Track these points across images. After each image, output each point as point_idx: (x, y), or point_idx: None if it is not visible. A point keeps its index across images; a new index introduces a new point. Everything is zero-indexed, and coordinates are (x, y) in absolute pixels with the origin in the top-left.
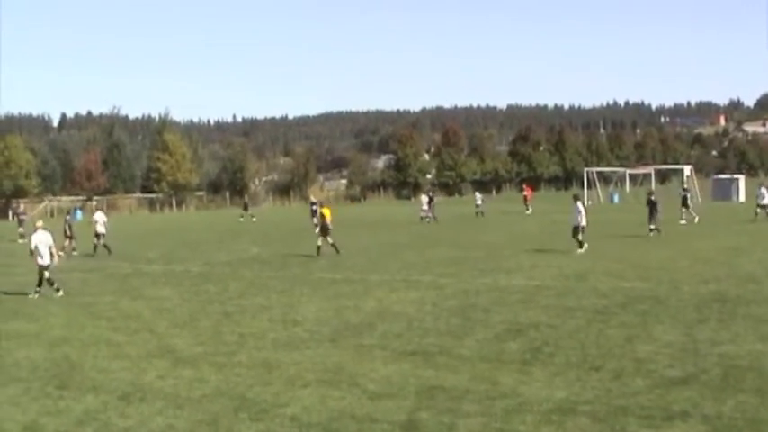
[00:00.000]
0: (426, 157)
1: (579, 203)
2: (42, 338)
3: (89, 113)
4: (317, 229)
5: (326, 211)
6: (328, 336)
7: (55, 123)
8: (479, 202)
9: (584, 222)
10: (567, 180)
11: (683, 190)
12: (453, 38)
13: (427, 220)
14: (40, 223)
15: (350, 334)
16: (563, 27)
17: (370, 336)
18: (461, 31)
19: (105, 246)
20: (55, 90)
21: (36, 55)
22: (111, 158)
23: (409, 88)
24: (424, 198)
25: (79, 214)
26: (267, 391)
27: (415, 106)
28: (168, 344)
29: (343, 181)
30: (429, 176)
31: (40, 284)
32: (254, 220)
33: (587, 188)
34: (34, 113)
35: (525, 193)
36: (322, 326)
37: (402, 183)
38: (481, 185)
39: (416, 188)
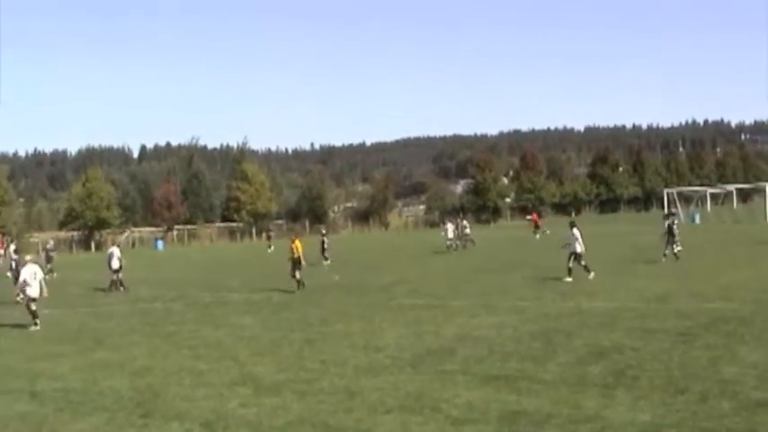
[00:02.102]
0: (505, 180)
1: (575, 230)
2: (126, 368)
3: (168, 144)
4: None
5: (298, 244)
6: (409, 361)
7: (135, 155)
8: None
9: (579, 249)
10: (647, 201)
11: None
12: (529, 61)
13: (454, 247)
14: (29, 257)
15: (431, 359)
16: (640, 47)
17: (451, 361)
18: (537, 54)
19: (120, 282)
20: (134, 122)
21: (115, 88)
22: (190, 188)
23: (486, 112)
24: (450, 225)
25: (160, 244)
26: (349, 417)
27: (492, 130)
28: (250, 372)
29: (422, 206)
30: (508, 200)
31: (35, 316)
32: (270, 250)
33: (668, 208)
34: (115, 145)
35: (532, 218)
36: (403, 352)
37: (481, 207)
38: (560, 208)
39: (495, 212)
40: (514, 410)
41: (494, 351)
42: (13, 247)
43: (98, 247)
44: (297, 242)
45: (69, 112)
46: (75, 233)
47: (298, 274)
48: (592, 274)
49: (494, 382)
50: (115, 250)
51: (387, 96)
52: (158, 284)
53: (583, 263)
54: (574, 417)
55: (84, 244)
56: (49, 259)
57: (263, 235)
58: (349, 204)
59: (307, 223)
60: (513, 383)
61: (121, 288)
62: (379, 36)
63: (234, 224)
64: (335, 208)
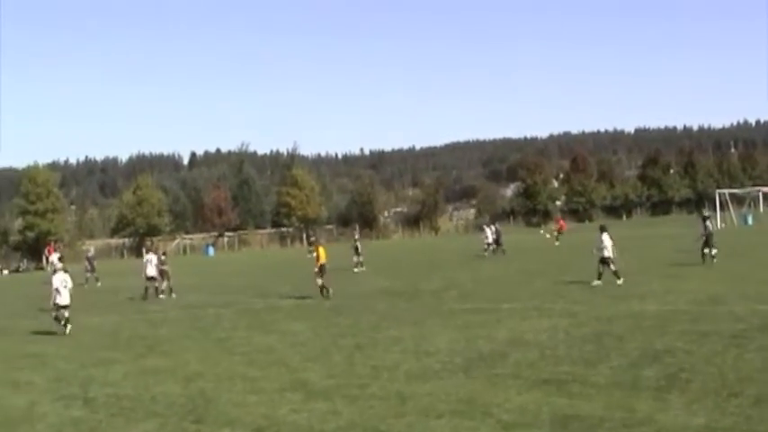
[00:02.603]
0: (555, 183)
1: (605, 234)
2: (178, 374)
3: (218, 151)
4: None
5: (322, 251)
6: (461, 366)
7: (185, 161)
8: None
9: (607, 254)
10: (699, 202)
11: None
12: (578, 63)
13: (487, 252)
14: (59, 265)
15: (482, 364)
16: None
17: (502, 365)
18: (586, 56)
19: (157, 289)
20: (185, 129)
21: (166, 95)
22: (240, 194)
23: (536, 115)
24: (488, 230)
25: (211, 250)
26: (401, 422)
27: (542, 133)
28: (301, 377)
29: (472, 210)
30: (558, 203)
31: (63, 322)
32: (311, 256)
33: (720, 210)
34: (165, 152)
35: (559, 224)
36: (454, 356)
37: (531, 210)
38: (611, 210)
39: (546, 215)
40: (567, 414)
41: (545, 355)
42: (56, 255)
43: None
44: (320, 249)
45: (120, 119)
46: (126, 240)
47: (319, 281)
48: (621, 280)
49: (545, 386)
50: (152, 257)
51: (436, 101)
52: (209, 291)
53: (613, 268)
54: (627, 420)
55: (136, 251)
56: (91, 268)
57: (305, 240)
58: (399, 209)
59: (357, 228)
60: (565, 387)
61: (161, 296)
62: (428, 40)
63: (284, 230)
64: (385, 213)
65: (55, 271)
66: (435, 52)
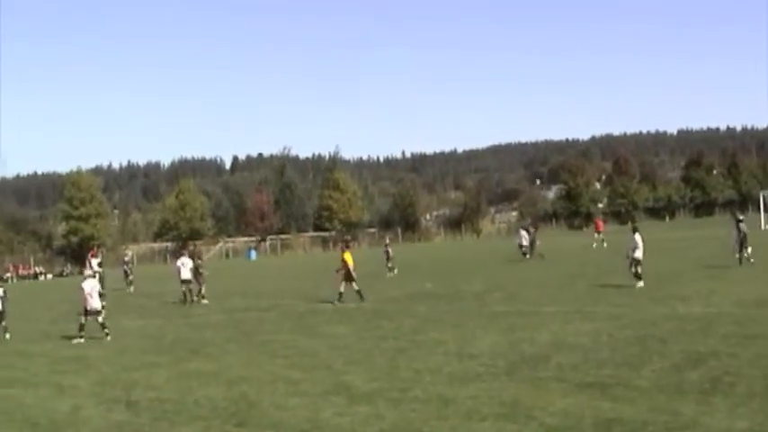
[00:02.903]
0: (597, 185)
1: (637, 235)
2: (221, 377)
3: (260, 155)
4: (391, 272)
5: (348, 256)
6: (504, 369)
7: (227, 166)
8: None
9: (638, 255)
10: (743, 204)
11: None
12: (621, 64)
13: (527, 255)
14: (88, 272)
15: (525, 366)
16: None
17: (545, 368)
18: (628, 57)
19: (190, 292)
20: (226, 133)
21: (207, 99)
22: (282, 198)
23: (577, 117)
24: (524, 233)
25: (253, 254)
26: (444, 426)
27: (584, 135)
28: (344, 380)
29: (514, 213)
30: (601, 205)
31: (103, 326)
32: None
33: (764, 211)
34: (207, 157)
35: (598, 225)
36: (497, 359)
37: (574, 213)
38: (654, 212)
39: (588, 218)
40: (610, 418)
41: (588, 358)
42: (96, 260)
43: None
44: (347, 253)
45: (162, 124)
46: (169, 244)
47: (343, 286)
48: (641, 283)
49: (589, 390)
50: (186, 260)
51: (477, 103)
52: (252, 294)
53: (638, 270)
54: (670, 424)
55: (179, 255)
56: (126, 272)
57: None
58: (441, 212)
59: (399, 231)
60: (609, 390)
61: (194, 299)
62: (468, 43)
63: (326, 233)
64: (427, 215)
65: (90, 275)
66: (476, 55)
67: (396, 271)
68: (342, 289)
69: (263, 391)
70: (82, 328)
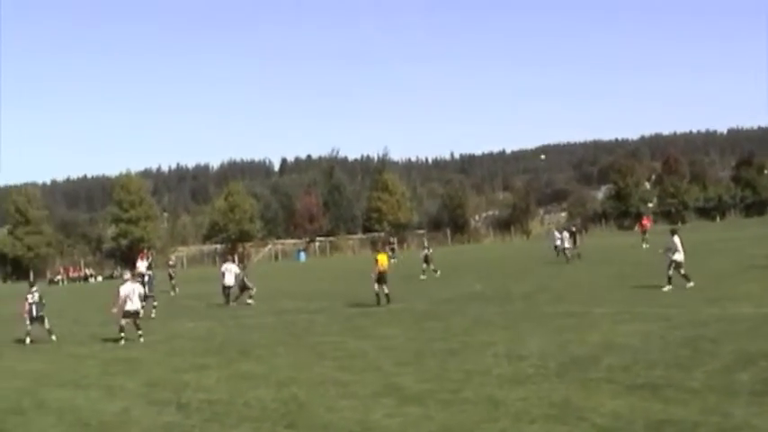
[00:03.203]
0: (647, 185)
1: (676, 237)
2: (271, 379)
3: (309, 157)
4: (432, 273)
5: (382, 258)
6: (554, 370)
7: (276, 168)
8: (558, 243)
9: (679, 257)
10: None
11: None
12: (670, 63)
13: (569, 256)
14: (127, 275)
15: (575, 368)
16: None
17: (595, 369)
18: (677, 56)
19: (228, 297)
20: (275, 135)
21: (256, 102)
22: (331, 200)
23: (627, 116)
24: (566, 234)
25: (303, 256)
26: (494, 427)
27: (633, 134)
28: (394, 382)
29: (564, 213)
30: (650, 205)
31: (138, 327)
32: (393, 261)
33: None
34: (256, 159)
35: (644, 223)
36: (547, 360)
37: (623, 213)
38: (704, 212)
39: (638, 218)
40: (661, 419)
41: (639, 359)
42: (144, 263)
43: (241, 260)
44: (381, 255)
45: (211, 126)
46: (218, 246)
47: (377, 287)
48: (691, 283)
49: (639, 391)
50: (230, 266)
51: (526, 103)
52: (301, 296)
53: (682, 271)
54: (722, 425)
55: (225, 259)
56: (171, 276)
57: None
58: (490, 213)
59: (448, 232)
60: (660, 392)
61: (233, 303)
62: (518, 42)
63: (375, 235)
64: (476, 216)
65: (130, 278)
66: (525, 54)
67: (438, 273)
68: (377, 289)
69: (312, 393)
70: (122, 329)
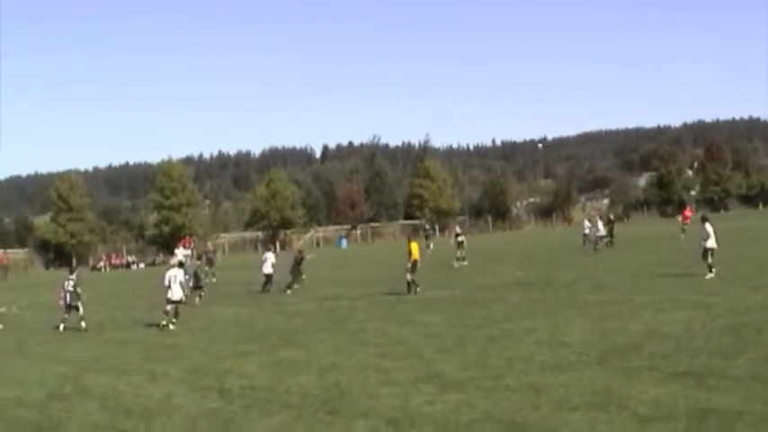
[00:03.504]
0: (689, 173)
1: (707, 224)
2: (312, 365)
3: (350, 144)
4: (457, 263)
5: (414, 247)
6: (595, 358)
7: (317, 155)
8: (587, 231)
9: (710, 244)
10: None
11: None
12: (713, 49)
13: (603, 244)
14: (174, 261)
15: (617, 356)
16: None
17: (637, 357)
18: (720, 43)
19: (265, 285)
20: (316, 122)
21: (297, 90)
22: (373, 187)
23: (669, 103)
24: (600, 222)
25: (344, 243)
26: (535, 414)
27: (675, 122)
28: (435, 369)
29: (605, 200)
30: (693, 193)
31: (175, 315)
32: (430, 250)
33: None
34: (297, 146)
35: (686, 214)
36: (589, 348)
37: (665, 200)
38: (747, 200)
39: (680, 205)
40: (704, 408)
41: (681, 347)
42: (183, 250)
43: (282, 247)
44: (413, 244)
45: (252, 114)
46: (259, 233)
47: (409, 277)
48: (711, 274)
49: (682, 379)
50: (270, 255)
51: (567, 90)
52: (343, 283)
53: (709, 260)
54: (766, 414)
55: (266, 244)
56: (210, 262)
57: (421, 233)
58: (531, 200)
59: (489, 219)
60: (702, 380)
61: (288, 291)
62: (558, 30)
63: (417, 221)
64: (518, 204)
65: (173, 265)
66: (567, 42)
67: (465, 262)
68: (409, 278)
69: (354, 380)
70: (166, 313)
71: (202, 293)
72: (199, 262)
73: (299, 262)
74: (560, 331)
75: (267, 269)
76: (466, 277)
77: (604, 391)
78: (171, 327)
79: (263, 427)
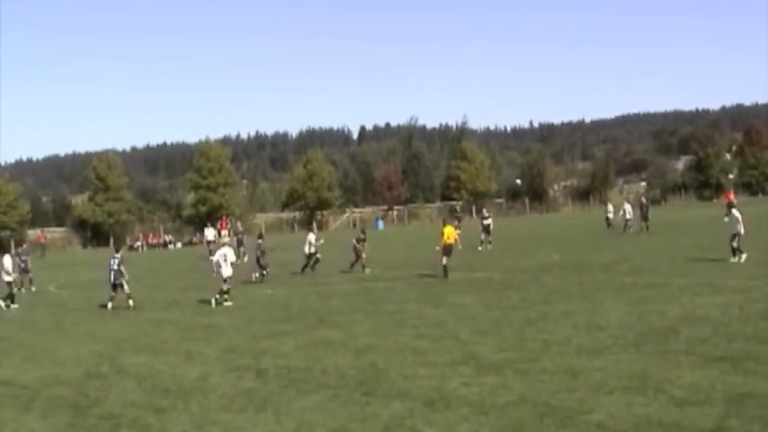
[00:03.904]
0: (728, 156)
1: (735, 210)
2: (349, 346)
3: (387, 125)
4: (482, 246)
5: (449, 230)
6: (632, 341)
7: (355, 136)
8: (610, 215)
9: (738, 229)
10: None
11: None
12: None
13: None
14: (225, 239)
15: (654, 339)
16: None
17: (674, 341)
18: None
19: (307, 265)
20: (354, 103)
21: (335, 71)
22: (410, 168)
23: (707, 86)
24: (628, 206)
25: (381, 224)
26: (572, 397)
27: (714, 105)
28: (472, 351)
29: (643, 183)
30: (731, 177)
31: (227, 292)
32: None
33: None
34: (334, 127)
35: (729, 197)
36: (626, 331)
37: (703, 184)
38: None
39: (718, 189)
40: (741, 392)
41: (719, 331)
42: (212, 231)
43: (320, 228)
44: (448, 227)
45: (289, 94)
46: (296, 214)
47: (444, 260)
48: (734, 258)
49: (719, 363)
50: (311, 236)
51: (606, 72)
52: (379, 264)
53: (734, 244)
54: None
55: (306, 224)
56: (240, 242)
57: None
58: (569, 182)
59: (527, 201)
60: (740, 364)
61: (310, 269)
62: (595, 13)
63: (454, 203)
64: (555, 186)
65: (225, 243)
66: (605, 25)
67: (489, 246)
68: (444, 262)
69: (390, 361)
70: (223, 292)
71: (265, 272)
72: (260, 241)
73: (359, 241)
74: (597, 314)
75: (307, 248)
76: (503, 260)
77: (641, 374)
78: (226, 303)
79: (299, 406)
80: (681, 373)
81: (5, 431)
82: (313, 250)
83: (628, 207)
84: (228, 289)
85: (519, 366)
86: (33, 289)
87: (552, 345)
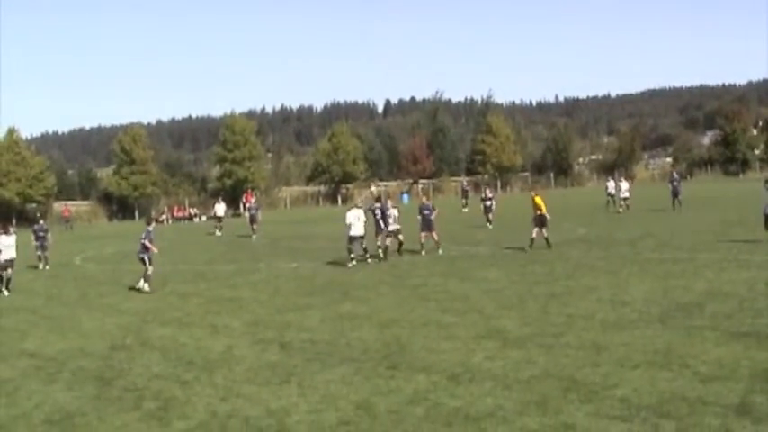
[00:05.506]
0: (754, 132)
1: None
2: (373, 320)
3: (413, 99)
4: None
5: (539, 200)
6: (657, 316)
7: (380, 110)
8: (612, 191)
9: None
10: None
11: None
12: None
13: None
14: (358, 202)
15: (679, 314)
16: None
17: (700, 316)
18: None
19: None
20: (379, 77)
21: (360, 44)
22: (435, 142)
23: (734, 61)
24: (624, 184)
25: (406, 198)
26: (596, 372)
27: (741, 80)
28: (496, 325)
29: (669, 159)
30: (757, 152)
31: (365, 252)
32: (466, 210)
33: None
34: (359, 101)
35: None
36: (651, 306)
37: (729, 159)
38: None
39: (744, 164)
40: (766, 368)
41: (744, 307)
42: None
43: (344, 201)
44: (537, 198)
45: (315, 68)
46: (321, 187)
47: (545, 232)
48: None
49: (744, 339)
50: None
51: (632, 47)
52: (405, 237)
53: None
54: None
55: (331, 198)
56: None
57: (460, 192)
58: (594, 157)
59: (552, 176)
60: (765, 340)
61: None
62: None
63: (479, 177)
64: (580, 160)
65: (356, 206)
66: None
67: (490, 225)
68: (534, 235)
69: (414, 335)
70: (350, 251)
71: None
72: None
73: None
74: (622, 289)
75: (356, 231)
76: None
77: (666, 349)
78: (354, 264)
79: (324, 380)
80: (706, 348)
81: (32, 402)
82: (360, 233)
83: (611, 184)
84: (360, 245)
85: (543, 341)
86: (47, 268)
87: (576, 319)
